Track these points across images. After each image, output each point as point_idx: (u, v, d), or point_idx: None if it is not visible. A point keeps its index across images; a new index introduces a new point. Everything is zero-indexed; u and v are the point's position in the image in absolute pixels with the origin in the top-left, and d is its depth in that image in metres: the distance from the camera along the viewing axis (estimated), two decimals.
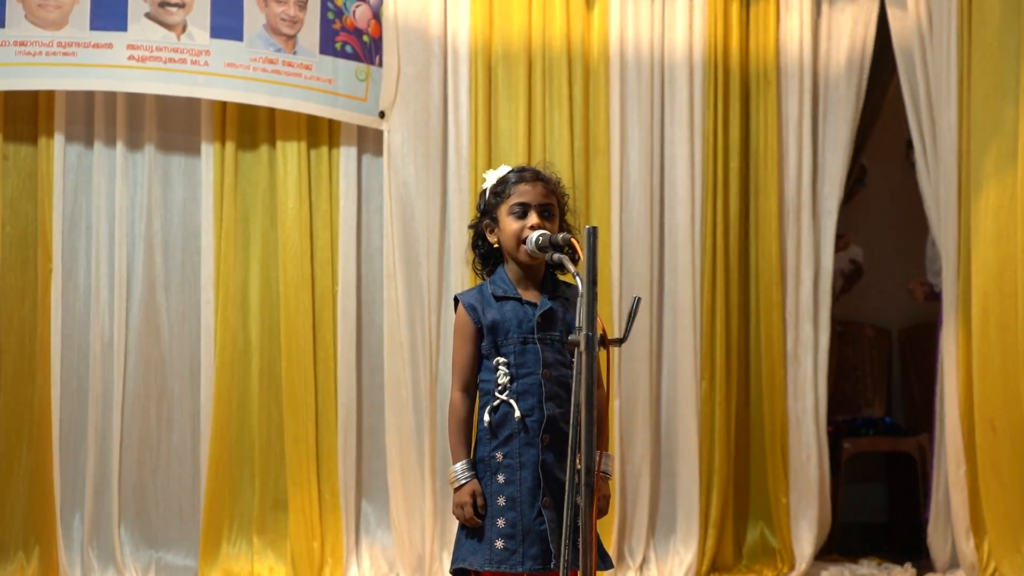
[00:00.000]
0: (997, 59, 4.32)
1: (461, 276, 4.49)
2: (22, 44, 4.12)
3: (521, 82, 4.61)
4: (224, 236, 4.38)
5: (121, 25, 4.21)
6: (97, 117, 4.34)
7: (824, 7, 4.96)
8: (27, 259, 4.26)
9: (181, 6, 4.28)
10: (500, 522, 2.59)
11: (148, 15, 4.24)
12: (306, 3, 4.41)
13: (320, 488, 4.41)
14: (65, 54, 4.15)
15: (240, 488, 4.41)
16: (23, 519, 4.22)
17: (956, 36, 4.47)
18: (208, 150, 4.41)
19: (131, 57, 4.21)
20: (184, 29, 4.27)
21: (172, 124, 4.44)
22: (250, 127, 4.45)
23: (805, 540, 4.78)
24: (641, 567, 4.63)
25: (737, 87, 4.86)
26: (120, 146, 4.34)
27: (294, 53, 4.38)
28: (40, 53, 4.13)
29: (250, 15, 4.35)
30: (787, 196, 4.87)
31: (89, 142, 4.35)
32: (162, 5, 4.26)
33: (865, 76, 4.95)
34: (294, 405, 4.40)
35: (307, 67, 4.40)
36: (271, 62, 4.35)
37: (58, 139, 4.26)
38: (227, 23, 4.31)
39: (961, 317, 4.48)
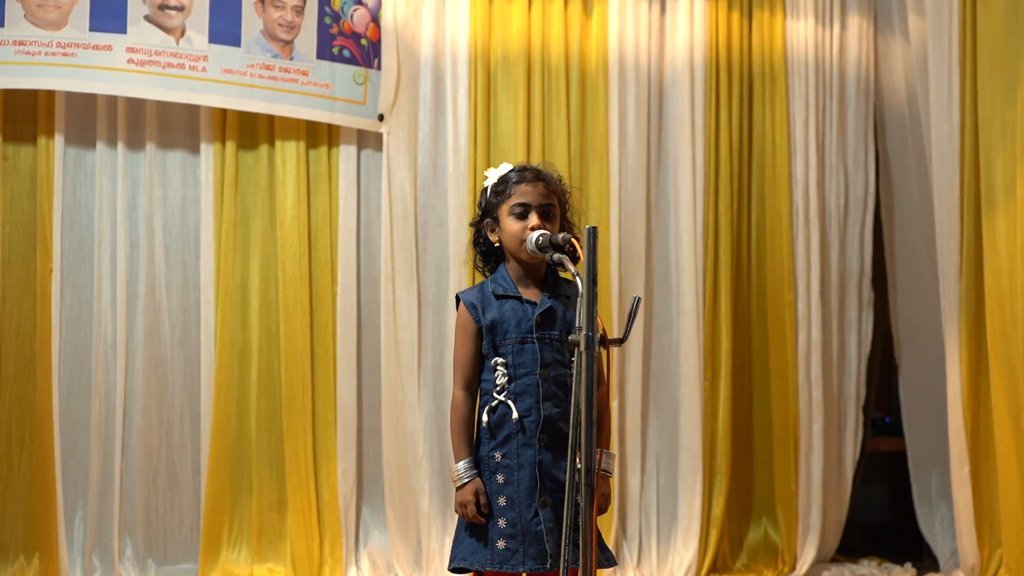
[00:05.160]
0: (1001, 62, 4.33)
1: (459, 278, 4.49)
2: (21, 44, 4.12)
3: (520, 85, 4.62)
4: (224, 236, 4.39)
5: (120, 27, 4.22)
6: (98, 117, 4.34)
7: (834, 12, 4.99)
8: (27, 259, 4.25)
9: (180, 9, 4.28)
10: (501, 522, 2.60)
11: (147, 17, 4.25)
12: (303, 8, 4.41)
13: (319, 489, 4.42)
14: (64, 55, 4.15)
15: (240, 489, 4.41)
16: (24, 521, 4.21)
17: (959, 42, 4.48)
18: (208, 150, 4.41)
19: (130, 61, 4.21)
20: (183, 33, 4.28)
21: (172, 124, 4.44)
22: (250, 127, 4.46)
23: (811, 541, 4.80)
24: (641, 566, 4.64)
25: (739, 89, 4.89)
26: (120, 146, 4.34)
27: (291, 58, 4.39)
28: (39, 53, 4.13)
29: (248, 20, 4.35)
30: (796, 196, 4.90)
31: (89, 142, 4.35)
32: (161, 8, 4.27)
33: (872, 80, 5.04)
34: (293, 406, 4.40)
35: (304, 72, 4.40)
36: (268, 68, 4.36)
37: (58, 139, 4.27)
38: (225, 28, 4.31)
39: (963, 318, 4.49)
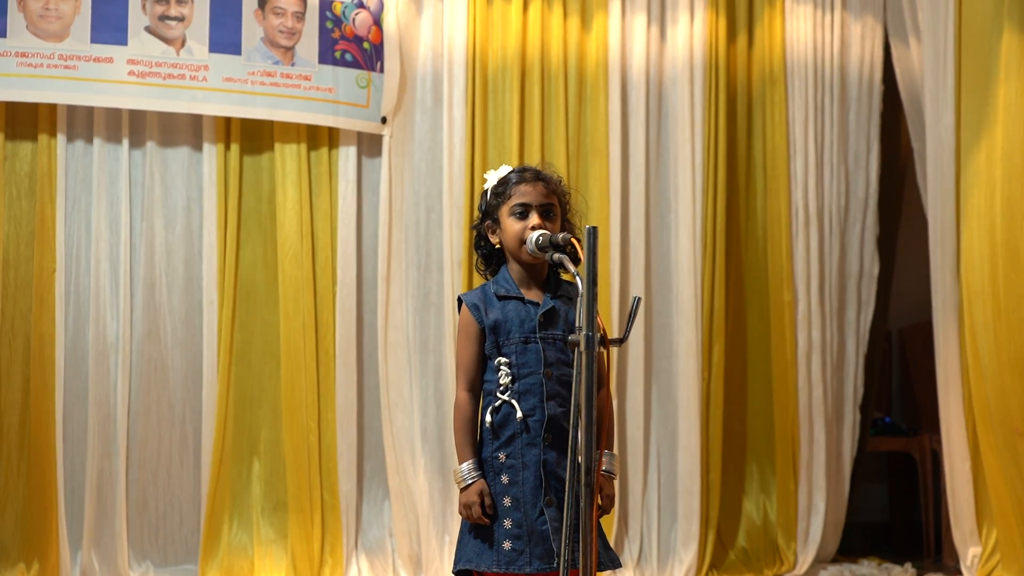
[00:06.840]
0: (983, 56, 4.36)
1: (457, 278, 4.52)
2: (23, 55, 4.15)
3: (518, 87, 4.65)
4: (228, 236, 4.41)
5: (121, 39, 4.25)
6: (98, 116, 4.36)
7: (835, 12, 5.02)
8: (25, 259, 4.26)
9: (180, 20, 4.32)
10: (507, 523, 2.59)
11: (148, 29, 4.28)
12: (304, 14, 4.45)
13: (321, 489, 4.43)
14: (66, 67, 4.18)
15: (241, 488, 4.42)
16: (24, 521, 4.20)
17: (954, 42, 4.51)
18: (211, 150, 4.43)
19: (131, 73, 4.24)
20: (183, 43, 4.31)
21: (174, 125, 4.46)
22: (251, 129, 4.48)
23: (811, 540, 4.82)
24: (641, 565, 4.65)
25: (738, 89, 4.92)
26: (124, 145, 4.36)
27: (292, 64, 4.42)
28: (41, 65, 4.16)
29: (248, 28, 4.39)
30: (795, 197, 4.93)
31: (90, 140, 4.37)
32: (162, 19, 4.30)
33: (877, 81, 5.06)
34: (294, 406, 4.42)
35: (306, 77, 4.43)
36: (269, 75, 4.39)
37: (60, 139, 4.29)
38: (225, 37, 4.34)
39: (960, 316, 4.51)
